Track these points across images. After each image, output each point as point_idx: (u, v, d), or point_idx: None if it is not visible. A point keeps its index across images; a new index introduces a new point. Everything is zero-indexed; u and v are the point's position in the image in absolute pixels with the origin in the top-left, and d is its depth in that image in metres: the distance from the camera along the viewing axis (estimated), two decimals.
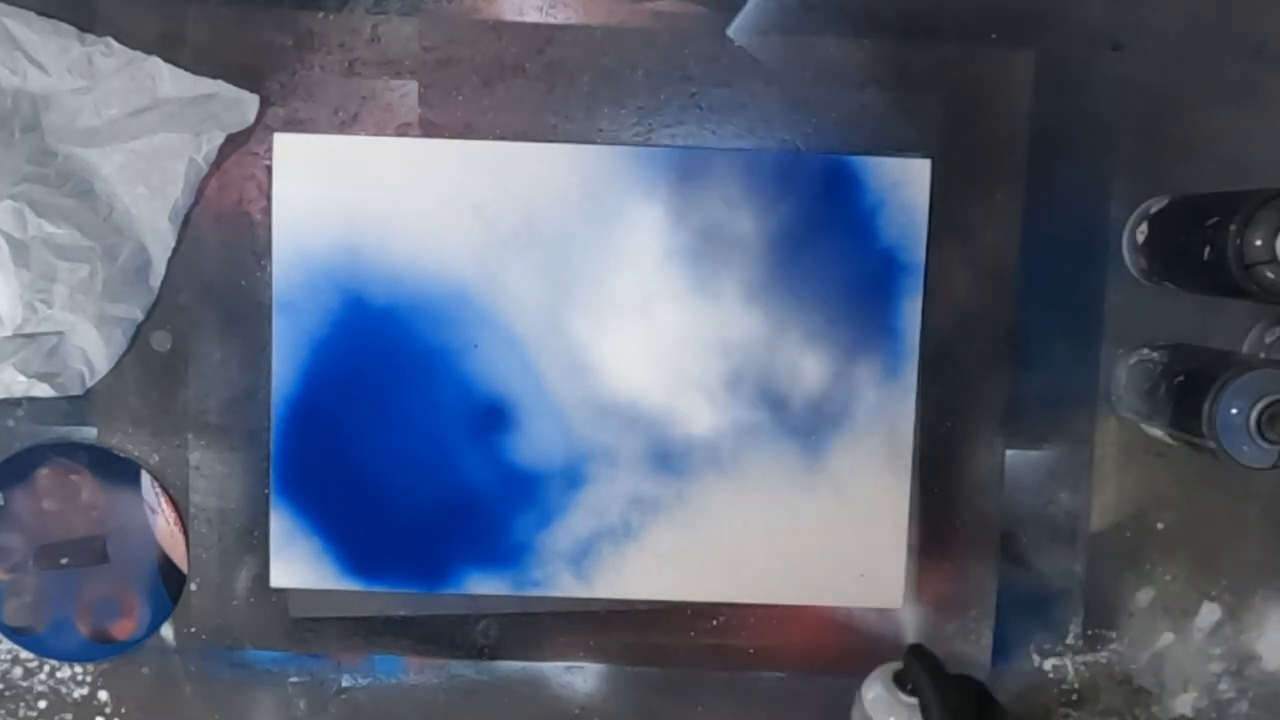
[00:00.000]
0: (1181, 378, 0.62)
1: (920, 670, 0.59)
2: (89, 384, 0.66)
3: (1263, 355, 0.66)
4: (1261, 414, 0.57)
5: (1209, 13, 0.67)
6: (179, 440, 0.68)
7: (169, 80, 0.64)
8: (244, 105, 0.64)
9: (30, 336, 0.63)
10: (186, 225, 0.66)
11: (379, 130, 0.66)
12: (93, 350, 0.65)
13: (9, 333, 0.62)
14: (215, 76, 0.64)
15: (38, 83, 0.63)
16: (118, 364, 0.66)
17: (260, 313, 0.67)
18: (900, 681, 0.62)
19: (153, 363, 0.67)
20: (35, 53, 0.63)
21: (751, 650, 0.70)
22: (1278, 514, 0.69)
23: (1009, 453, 0.69)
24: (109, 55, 0.63)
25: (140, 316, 0.66)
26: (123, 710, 0.69)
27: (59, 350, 0.64)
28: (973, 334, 0.68)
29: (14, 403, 0.67)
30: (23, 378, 0.63)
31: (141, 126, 0.64)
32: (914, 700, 0.60)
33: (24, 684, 0.69)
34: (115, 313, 0.65)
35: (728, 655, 0.70)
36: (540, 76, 0.66)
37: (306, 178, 0.65)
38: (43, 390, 0.64)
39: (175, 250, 0.66)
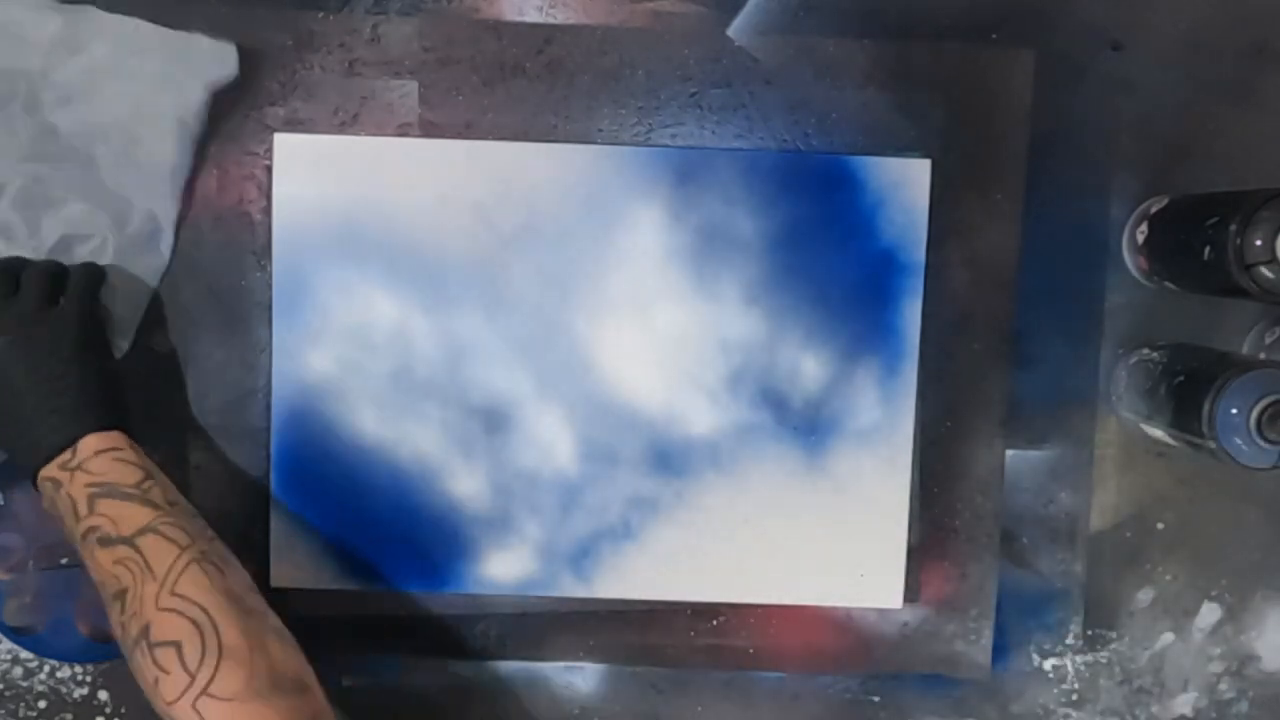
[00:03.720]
0: (1181, 378, 0.62)
1: None
2: (116, 357, 0.65)
3: (1263, 355, 0.66)
4: (1261, 414, 0.57)
5: (1209, 13, 0.67)
6: (179, 440, 0.68)
7: (150, 38, 0.63)
8: (223, 56, 0.64)
9: None
10: (190, 192, 0.66)
11: (379, 130, 0.66)
12: (114, 321, 0.65)
13: None
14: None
15: (29, 60, 0.63)
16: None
17: (260, 313, 0.67)
18: None
19: (153, 363, 0.67)
20: (22, 30, 0.62)
21: (751, 650, 0.70)
22: (1278, 514, 0.69)
23: (1009, 453, 0.69)
24: (90, 22, 0.63)
25: (155, 283, 0.66)
26: (123, 710, 0.69)
27: None
28: (973, 334, 0.68)
29: None
30: None
31: (130, 91, 0.63)
32: None
33: (24, 684, 0.69)
34: (131, 280, 0.65)
35: (728, 655, 0.70)
36: (540, 76, 0.66)
37: (306, 178, 0.65)
38: None
39: (182, 216, 0.65)
